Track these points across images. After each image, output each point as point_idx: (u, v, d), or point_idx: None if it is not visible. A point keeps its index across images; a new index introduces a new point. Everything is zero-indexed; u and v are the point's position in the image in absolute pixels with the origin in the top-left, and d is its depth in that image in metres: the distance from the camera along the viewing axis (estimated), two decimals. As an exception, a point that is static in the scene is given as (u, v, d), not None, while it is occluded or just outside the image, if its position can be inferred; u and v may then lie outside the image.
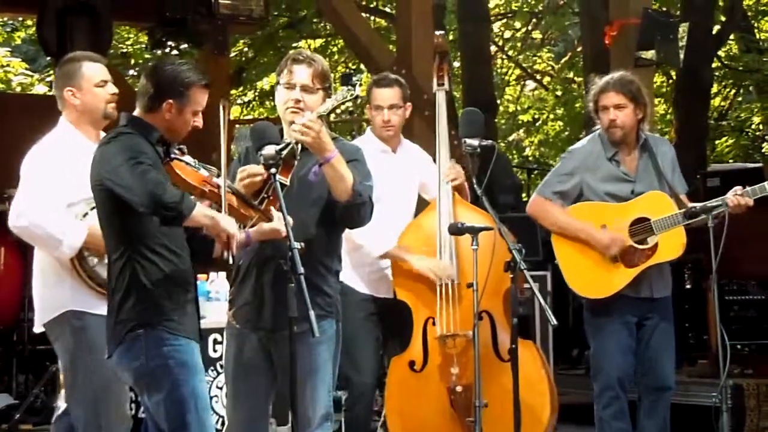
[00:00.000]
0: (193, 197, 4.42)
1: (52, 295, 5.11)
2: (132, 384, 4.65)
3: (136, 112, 4.63)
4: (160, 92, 4.56)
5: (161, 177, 4.34)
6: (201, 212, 4.37)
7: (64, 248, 4.97)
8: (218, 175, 4.54)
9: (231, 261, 4.47)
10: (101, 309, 4.76)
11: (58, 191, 4.98)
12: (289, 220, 4.48)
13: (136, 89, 4.73)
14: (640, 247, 5.98)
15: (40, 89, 17.98)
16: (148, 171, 4.31)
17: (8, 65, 17.86)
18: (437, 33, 6.47)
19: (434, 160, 6.29)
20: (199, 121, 4.65)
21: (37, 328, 5.28)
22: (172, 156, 4.49)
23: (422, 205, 6.47)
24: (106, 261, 4.66)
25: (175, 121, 4.58)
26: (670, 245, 5.95)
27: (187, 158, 4.54)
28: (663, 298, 6.12)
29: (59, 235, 4.96)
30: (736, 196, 5.83)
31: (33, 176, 5.07)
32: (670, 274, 6.27)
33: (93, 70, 5.23)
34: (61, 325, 5.08)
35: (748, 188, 5.85)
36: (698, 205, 5.87)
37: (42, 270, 5.17)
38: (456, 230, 5.70)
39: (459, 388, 5.89)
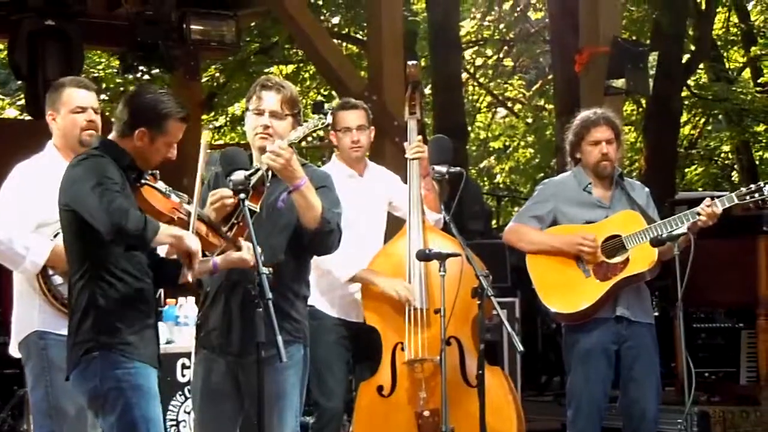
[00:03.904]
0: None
1: (25, 315, 5.09)
2: (87, 405, 4.64)
3: (111, 136, 4.61)
4: (134, 119, 4.53)
5: (125, 203, 4.32)
6: (165, 232, 4.37)
7: (27, 264, 4.94)
8: (189, 202, 4.53)
9: (190, 279, 4.46)
10: (64, 329, 4.71)
11: (29, 210, 4.95)
12: (258, 250, 4.47)
13: (106, 114, 4.71)
14: (612, 261, 6.03)
15: (11, 113, 17.91)
16: (113, 199, 4.28)
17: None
18: (410, 63, 6.45)
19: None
20: (172, 153, 4.60)
21: (13, 351, 5.22)
22: (143, 182, 4.49)
23: (391, 224, 6.50)
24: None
25: (145, 149, 4.53)
26: (641, 258, 5.99)
27: (159, 184, 4.53)
28: (643, 324, 6.11)
29: (22, 251, 4.93)
30: (706, 207, 5.86)
31: (5, 195, 5.03)
32: (650, 302, 6.31)
33: (71, 96, 5.12)
34: (28, 346, 5.07)
35: (716, 200, 5.91)
36: (665, 233, 5.91)
37: (19, 291, 5.14)
38: (424, 257, 5.70)
39: (426, 413, 5.89)
